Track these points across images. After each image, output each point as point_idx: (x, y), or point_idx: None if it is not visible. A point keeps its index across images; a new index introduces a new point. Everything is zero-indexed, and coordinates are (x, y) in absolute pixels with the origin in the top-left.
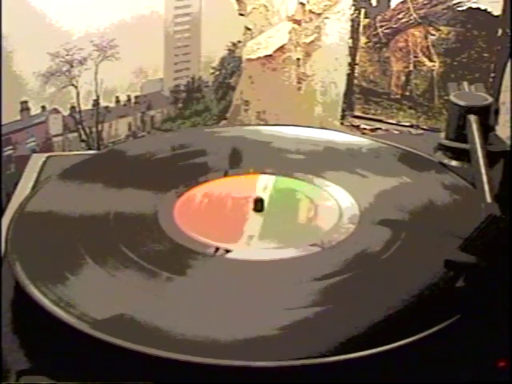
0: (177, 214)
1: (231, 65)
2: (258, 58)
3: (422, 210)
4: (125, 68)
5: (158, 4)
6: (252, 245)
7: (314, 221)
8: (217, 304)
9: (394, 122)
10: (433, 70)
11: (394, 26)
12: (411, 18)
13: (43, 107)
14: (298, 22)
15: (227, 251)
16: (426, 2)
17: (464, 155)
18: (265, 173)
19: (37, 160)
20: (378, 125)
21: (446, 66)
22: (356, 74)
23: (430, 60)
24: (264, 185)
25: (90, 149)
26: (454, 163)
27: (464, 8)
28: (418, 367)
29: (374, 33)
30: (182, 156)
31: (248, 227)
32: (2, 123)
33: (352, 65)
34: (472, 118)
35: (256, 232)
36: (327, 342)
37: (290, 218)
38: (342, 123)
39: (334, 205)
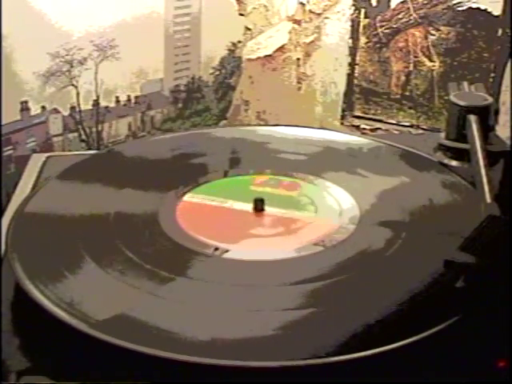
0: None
1: (231, 65)
2: (258, 58)
3: (422, 210)
4: (125, 68)
5: (158, 4)
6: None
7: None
8: (217, 304)
9: (394, 122)
10: (433, 70)
11: (394, 25)
12: (411, 18)
13: (43, 107)
14: (298, 22)
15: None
16: (425, 2)
17: (464, 155)
18: (188, 191)
19: (37, 160)
20: (377, 125)
21: (446, 66)
22: (356, 74)
23: (430, 60)
24: (202, 199)
25: (89, 149)
26: (454, 163)
27: (464, 8)
28: (417, 367)
29: (374, 33)
30: (182, 156)
31: (278, 222)
32: (2, 123)
33: (352, 65)
34: (472, 117)
35: (311, 214)
36: (327, 342)
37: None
38: (342, 123)
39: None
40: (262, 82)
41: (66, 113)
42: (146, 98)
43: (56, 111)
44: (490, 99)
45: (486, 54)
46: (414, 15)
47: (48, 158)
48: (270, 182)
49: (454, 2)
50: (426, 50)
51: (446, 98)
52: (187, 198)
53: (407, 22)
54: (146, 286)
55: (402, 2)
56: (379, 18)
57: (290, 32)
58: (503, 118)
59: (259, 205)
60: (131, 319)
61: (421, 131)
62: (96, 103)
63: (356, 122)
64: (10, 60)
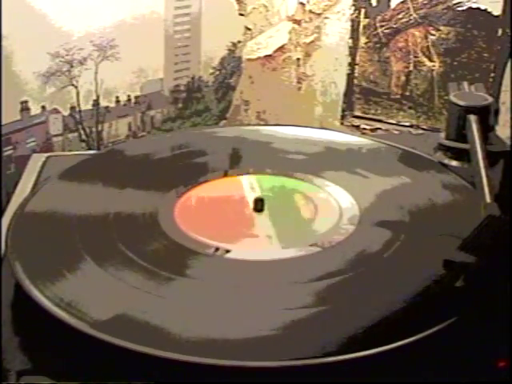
0: (177, 214)
1: (231, 65)
2: (258, 58)
3: (421, 210)
4: (125, 68)
5: (158, 4)
6: (273, 244)
7: (313, 221)
8: (217, 304)
9: (394, 122)
10: (433, 70)
11: (394, 25)
12: (411, 18)
13: (43, 107)
14: (298, 22)
15: (227, 251)
16: (425, 2)
17: (464, 155)
18: (246, 173)
19: (37, 160)
20: (378, 125)
21: (446, 66)
22: (356, 74)
23: (430, 60)
24: (249, 184)
25: (89, 149)
26: (454, 163)
27: (464, 8)
28: (417, 367)
29: (374, 33)
30: (182, 156)
31: (256, 227)
32: (2, 123)
33: (352, 65)
34: (472, 117)
35: (272, 232)
36: (327, 341)
37: (290, 218)
38: (342, 123)
39: (334, 205)
40: (261, 82)
41: (66, 113)
42: (146, 98)
43: (56, 111)
44: (490, 99)
45: (485, 54)
46: (414, 15)
47: (48, 157)
48: (310, 198)
49: (454, 2)
50: (426, 50)
51: (445, 97)
52: (243, 177)
53: (407, 21)
54: (145, 285)
55: (401, 2)
56: (379, 18)
57: (290, 32)
58: (503, 117)
59: (259, 205)
60: (131, 319)
61: (421, 131)
62: (96, 103)
63: (356, 121)
64: (10, 60)
